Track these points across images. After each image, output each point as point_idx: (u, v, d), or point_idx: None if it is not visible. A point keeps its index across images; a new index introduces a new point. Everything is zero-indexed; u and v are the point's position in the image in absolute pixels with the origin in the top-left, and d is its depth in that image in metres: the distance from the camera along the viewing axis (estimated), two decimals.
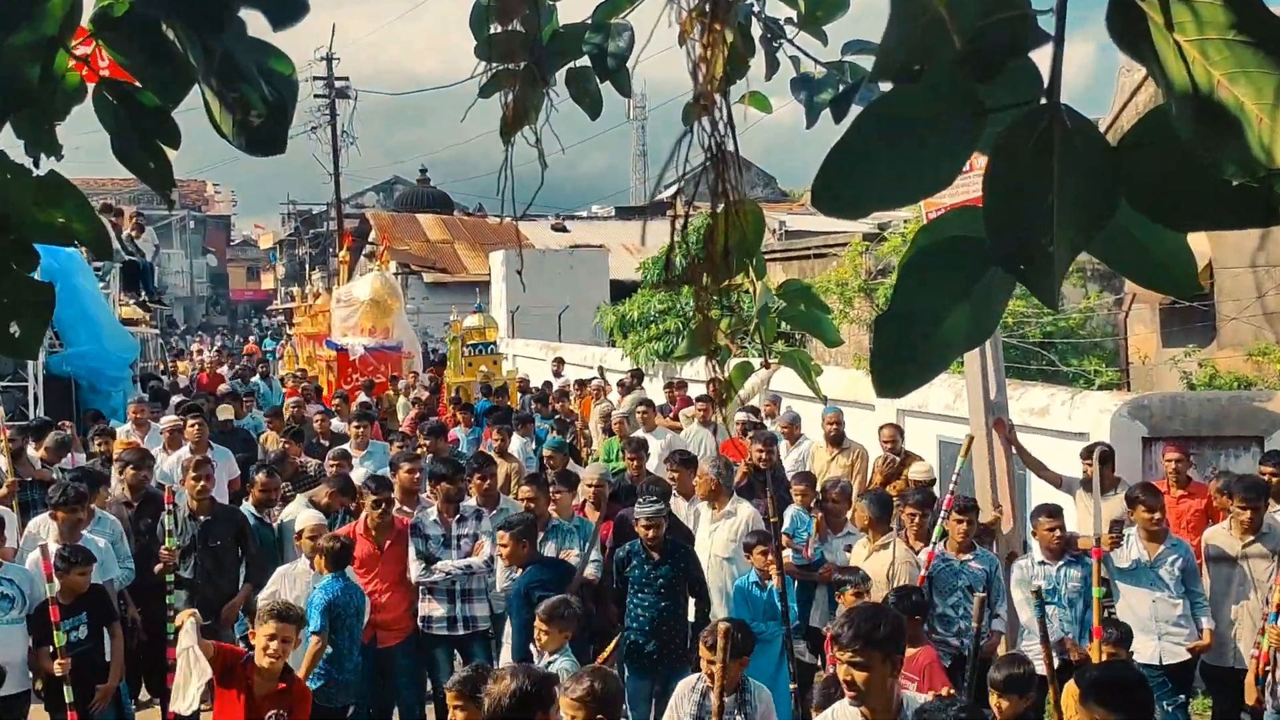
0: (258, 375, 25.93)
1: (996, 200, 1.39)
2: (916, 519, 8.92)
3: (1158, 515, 8.43)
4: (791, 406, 14.34)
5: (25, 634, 7.92)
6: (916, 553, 8.72)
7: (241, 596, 9.31)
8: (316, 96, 49.17)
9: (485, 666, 6.56)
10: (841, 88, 2.68)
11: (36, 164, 1.81)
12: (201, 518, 9.46)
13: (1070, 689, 5.50)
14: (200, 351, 40.87)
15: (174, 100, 1.78)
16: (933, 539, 8.75)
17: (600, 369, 21.46)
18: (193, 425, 12.70)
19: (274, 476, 10.67)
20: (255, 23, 1.73)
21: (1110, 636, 7.29)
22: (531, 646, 7.18)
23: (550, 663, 6.84)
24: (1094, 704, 4.83)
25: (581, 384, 19.63)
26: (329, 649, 7.80)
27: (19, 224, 1.73)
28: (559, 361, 23.69)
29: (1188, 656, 8.48)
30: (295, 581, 8.52)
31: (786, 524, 9.89)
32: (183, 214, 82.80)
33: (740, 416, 13.19)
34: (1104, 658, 7.09)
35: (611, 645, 8.42)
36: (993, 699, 6.00)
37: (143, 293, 25.71)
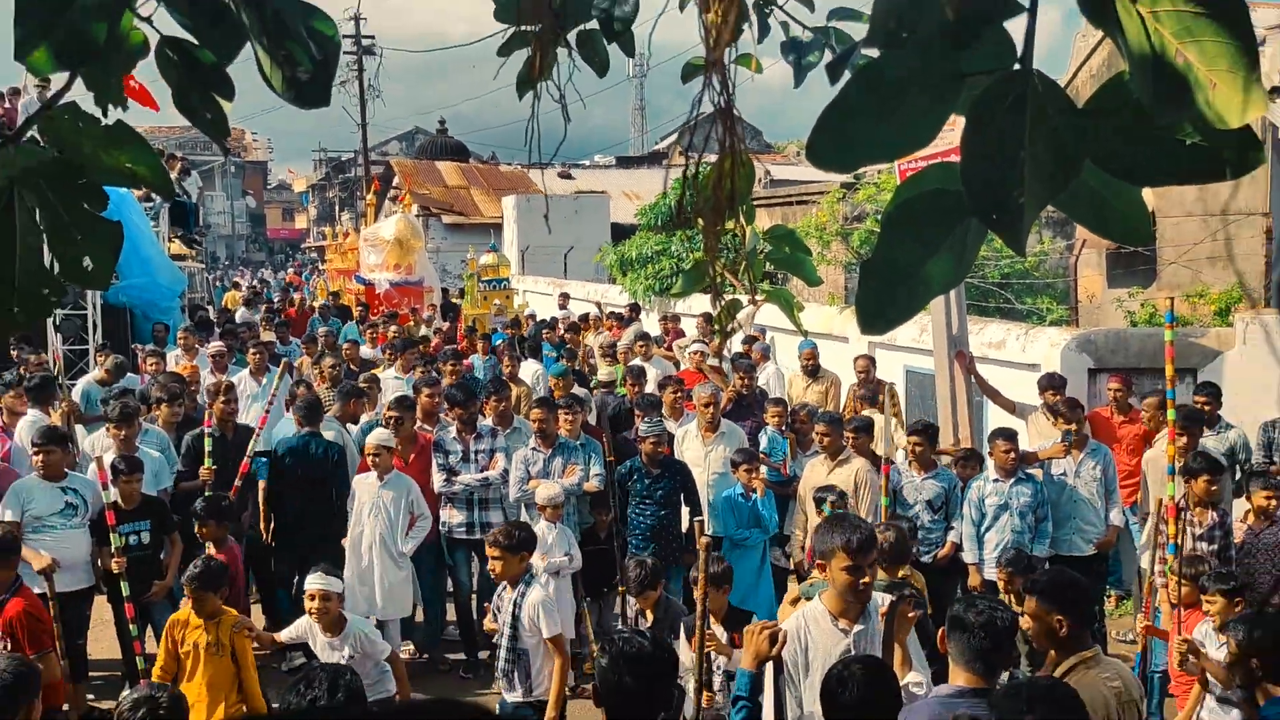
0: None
1: (973, 157, 1.38)
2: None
3: (1073, 426, 8.75)
4: (774, 338, 14.38)
5: (89, 537, 7.98)
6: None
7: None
8: (346, 54, 48.80)
9: (213, 560, 6.84)
10: (828, 51, 2.67)
11: (104, 113, 1.80)
12: (227, 437, 9.41)
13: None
14: (238, 285, 40.90)
15: (229, 57, 1.77)
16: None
17: (598, 304, 21.42)
18: (255, 353, 12.72)
19: (312, 390, 10.72)
20: None
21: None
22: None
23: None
24: (1039, 601, 4.86)
25: (584, 318, 19.59)
26: None
27: (90, 168, 1.72)
28: (565, 296, 23.65)
29: (1093, 551, 8.73)
30: (364, 489, 8.87)
31: (764, 444, 9.96)
32: (224, 159, 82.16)
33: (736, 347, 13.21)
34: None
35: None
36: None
37: (188, 230, 25.61)
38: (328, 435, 9.69)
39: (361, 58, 49.30)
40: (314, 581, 6.80)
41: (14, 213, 1.68)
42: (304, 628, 7.00)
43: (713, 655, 6.00)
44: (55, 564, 7.47)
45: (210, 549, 7.70)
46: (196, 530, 7.95)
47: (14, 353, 12.72)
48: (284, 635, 7.22)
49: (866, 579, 4.82)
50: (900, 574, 6.63)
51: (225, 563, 7.11)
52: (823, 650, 4.71)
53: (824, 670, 4.16)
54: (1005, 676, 5.27)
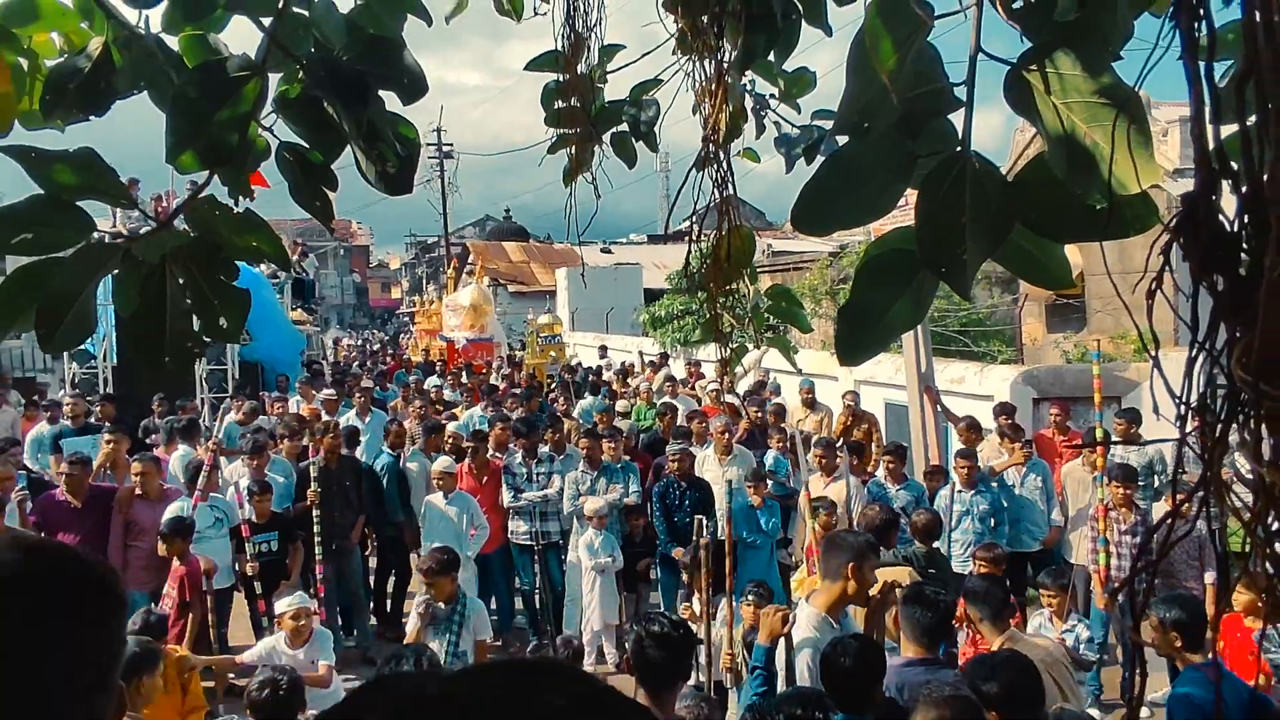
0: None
1: (924, 222, 1.39)
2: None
3: (1018, 444, 8.70)
4: (778, 378, 14.34)
5: (229, 545, 8.04)
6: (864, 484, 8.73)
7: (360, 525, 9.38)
8: (430, 158, 49.45)
9: (152, 615, 5.97)
10: (811, 142, 2.69)
11: (236, 204, 1.84)
12: (331, 466, 9.20)
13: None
14: (338, 341, 41.21)
15: (333, 157, 1.81)
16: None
17: (640, 353, 21.44)
18: (359, 397, 12.79)
19: (403, 426, 10.74)
20: (389, 100, 1.75)
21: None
22: None
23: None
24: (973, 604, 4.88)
25: (622, 365, 19.63)
26: None
27: (225, 247, 1.76)
28: (603, 348, 23.71)
29: (1040, 547, 8.60)
30: (434, 505, 8.85)
31: (770, 464, 9.93)
32: (335, 244, 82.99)
33: (745, 386, 13.22)
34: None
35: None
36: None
37: (306, 301, 25.88)
38: (411, 465, 9.76)
39: (443, 161, 49.99)
40: (290, 602, 6.29)
41: (165, 282, 1.71)
42: (269, 646, 6.34)
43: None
44: (214, 567, 7.58)
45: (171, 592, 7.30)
46: (162, 547, 7.47)
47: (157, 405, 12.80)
48: (246, 656, 6.49)
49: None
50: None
51: (164, 614, 6.56)
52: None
53: None
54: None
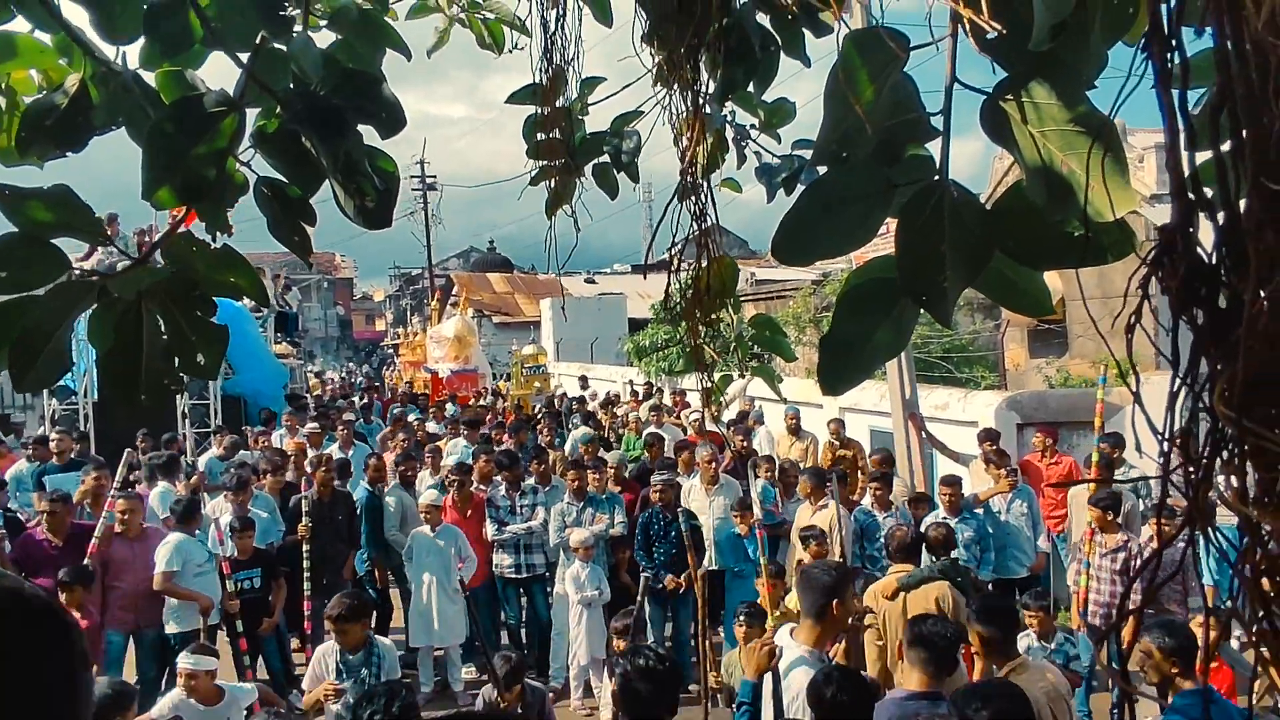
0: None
1: (904, 250, 1.39)
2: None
3: (1003, 471, 8.68)
4: (763, 406, 14.34)
5: (218, 582, 7.95)
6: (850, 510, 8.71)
7: (351, 558, 9.29)
8: (414, 190, 49.53)
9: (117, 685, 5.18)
10: (791, 171, 2.70)
11: (214, 239, 1.82)
12: (324, 499, 9.18)
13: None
14: (331, 378, 40.98)
15: (311, 191, 1.80)
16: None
17: (631, 382, 21.42)
18: (342, 430, 12.71)
19: (382, 460, 10.65)
20: (368, 134, 1.75)
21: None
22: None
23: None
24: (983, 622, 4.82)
25: (607, 396, 19.59)
26: None
27: (202, 282, 1.75)
28: (583, 379, 23.68)
29: (1026, 573, 8.58)
30: (422, 539, 8.80)
31: (758, 493, 9.89)
32: (318, 277, 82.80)
33: (729, 415, 13.21)
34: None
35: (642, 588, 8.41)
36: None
37: (290, 334, 25.76)
38: (389, 500, 9.68)
39: (426, 193, 50.05)
40: (183, 662, 5.92)
41: (141, 319, 1.70)
42: (173, 701, 5.88)
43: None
44: (212, 603, 7.63)
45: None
46: (62, 595, 6.80)
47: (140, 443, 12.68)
48: (153, 713, 5.85)
49: None
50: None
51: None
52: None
53: None
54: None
